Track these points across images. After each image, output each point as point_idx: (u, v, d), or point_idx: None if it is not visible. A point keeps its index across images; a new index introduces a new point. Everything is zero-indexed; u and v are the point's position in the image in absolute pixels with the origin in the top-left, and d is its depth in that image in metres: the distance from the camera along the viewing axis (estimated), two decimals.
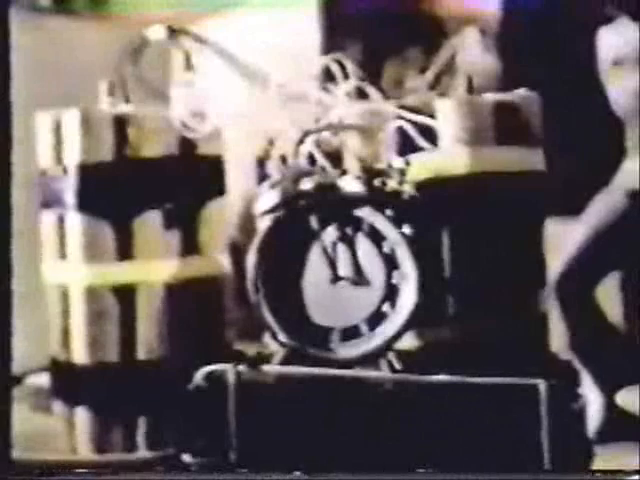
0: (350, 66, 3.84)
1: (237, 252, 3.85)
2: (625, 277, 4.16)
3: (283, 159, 3.64)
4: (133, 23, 4.71)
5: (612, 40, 4.22)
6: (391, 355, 3.55)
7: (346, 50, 5.07)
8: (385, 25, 5.10)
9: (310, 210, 3.57)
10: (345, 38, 5.09)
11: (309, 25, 4.96)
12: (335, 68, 3.87)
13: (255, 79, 3.90)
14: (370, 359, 3.57)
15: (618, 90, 4.15)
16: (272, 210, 3.58)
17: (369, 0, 5.13)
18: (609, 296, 4.19)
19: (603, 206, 4.05)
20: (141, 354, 3.93)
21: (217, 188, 3.96)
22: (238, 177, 3.97)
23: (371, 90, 3.81)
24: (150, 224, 3.90)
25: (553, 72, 4.90)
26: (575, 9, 4.70)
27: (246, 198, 3.85)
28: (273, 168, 3.63)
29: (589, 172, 4.15)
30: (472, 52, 5.01)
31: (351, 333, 3.57)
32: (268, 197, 3.60)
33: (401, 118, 3.63)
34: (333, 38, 5.03)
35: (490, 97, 3.71)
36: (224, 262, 3.98)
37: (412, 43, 5.03)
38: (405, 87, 3.92)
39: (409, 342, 3.64)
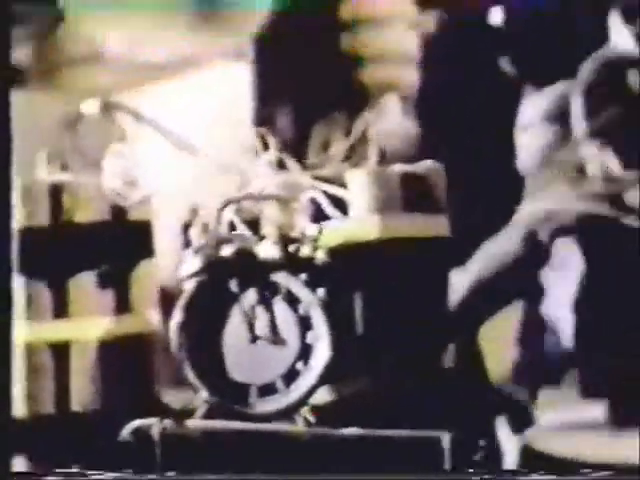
0: (272, 139, 3.87)
1: (165, 311, 3.86)
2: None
3: (205, 226, 3.67)
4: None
5: (525, 109, 4.35)
6: (305, 410, 3.58)
7: (276, 116, 5.17)
8: (313, 91, 5.15)
9: (230, 275, 3.60)
10: (276, 104, 5.14)
11: (241, 93, 4.98)
12: (258, 141, 3.91)
13: (184, 149, 3.92)
14: (286, 414, 3.59)
15: (525, 150, 4.27)
16: (195, 274, 3.60)
17: (299, 66, 5.19)
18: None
19: (497, 247, 4.15)
20: (75, 406, 3.93)
21: (147, 251, 3.98)
22: (166, 241, 3.99)
23: (290, 161, 3.86)
24: (84, 284, 3.91)
25: (469, 137, 4.99)
26: (490, 79, 4.76)
27: (173, 261, 3.86)
28: (196, 235, 3.66)
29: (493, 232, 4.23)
30: (391, 118, 5.07)
31: (268, 389, 3.58)
32: (191, 262, 3.62)
33: (315, 189, 3.68)
34: (264, 104, 5.06)
35: (398, 168, 3.76)
36: (154, 320, 3.99)
37: (337, 108, 5.08)
38: (322, 157, 3.95)
39: (323, 397, 3.66)
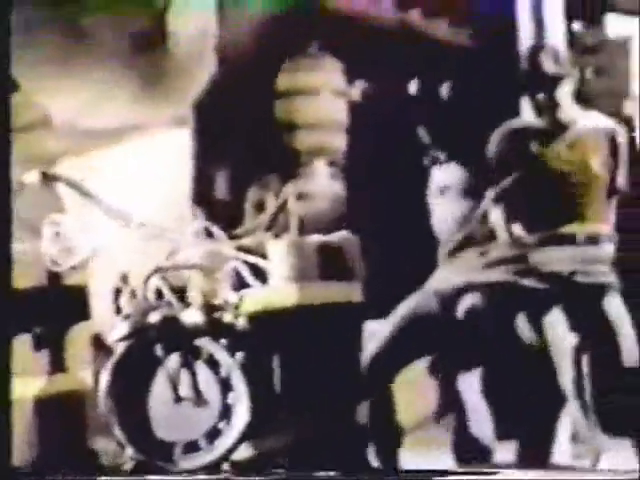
0: (198, 211, 4.10)
1: (96, 371, 4.05)
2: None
3: (134, 293, 3.87)
4: None
5: (439, 176, 4.55)
6: (227, 465, 3.78)
7: (215, 177, 5.38)
8: (248, 155, 5.37)
9: (156, 340, 3.82)
10: (213, 167, 5.35)
11: (180, 158, 5.17)
12: (187, 211, 4.13)
13: (118, 218, 4.12)
14: (209, 470, 3.80)
15: (439, 215, 4.46)
16: (123, 339, 3.81)
17: (235, 131, 5.40)
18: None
19: (412, 304, 4.35)
20: (16, 460, 4.09)
21: (81, 314, 4.18)
22: (100, 305, 4.18)
23: (217, 230, 4.07)
24: (21, 346, 4.09)
25: (389, 203, 5.22)
26: (409, 153, 4.96)
27: (104, 325, 4.06)
28: (125, 302, 3.87)
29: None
30: (320, 182, 5.31)
31: (192, 447, 3.81)
32: (120, 327, 3.84)
33: (237, 259, 3.90)
34: (203, 167, 5.27)
35: (316, 238, 3.99)
36: (87, 379, 4.17)
37: (271, 171, 5.31)
38: (246, 227, 4.17)
39: (244, 453, 3.86)
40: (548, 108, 4.40)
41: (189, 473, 3.78)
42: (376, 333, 4.23)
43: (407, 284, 4.33)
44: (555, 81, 4.39)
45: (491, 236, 4.38)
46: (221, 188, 5.51)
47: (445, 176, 4.59)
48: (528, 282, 4.21)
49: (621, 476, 3.93)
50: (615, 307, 4.26)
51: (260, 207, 5.37)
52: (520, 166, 4.33)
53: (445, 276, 4.34)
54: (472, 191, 4.42)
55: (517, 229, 4.30)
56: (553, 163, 4.34)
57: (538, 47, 4.70)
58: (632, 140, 4.62)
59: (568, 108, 4.36)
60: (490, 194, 4.31)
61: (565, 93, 4.38)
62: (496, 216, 4.31)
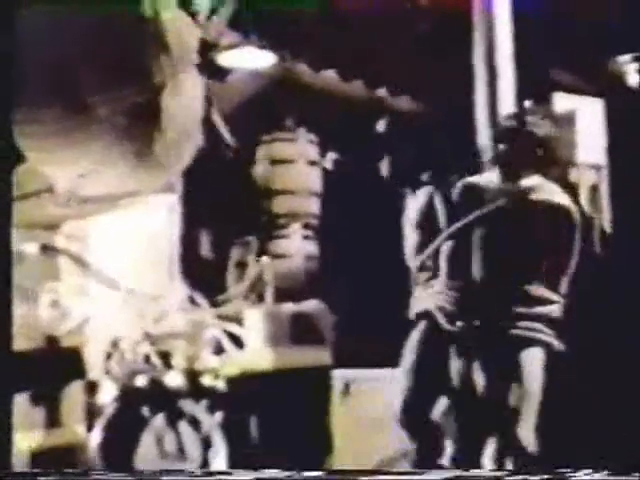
0: (184, 279, 4.28)
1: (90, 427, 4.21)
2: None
3: (123, 357, 4.04)
4: None
5: (413, 205, 4.56)
6: None
7: (201, 239, 5.56)
8: (231, 218, 5.54)
9: (142, 402, 3.99)
10: (199, 229, 5.53)
11: (169, 223, 5.34)
12: (174, 280, 4.31)
13: (109, 286, 4.30)
14: None
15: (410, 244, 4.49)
16: (113, 400, 3.98)
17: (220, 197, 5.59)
18: None
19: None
20: None
21: (76, 373, 4.33)
22: (94, 366, 4.34)
23: (199, 298, 4.26)
24: (20, 404, 4.24)
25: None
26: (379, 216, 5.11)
27: (96, 385, 4.22)
28: (114, 365, 4.04)
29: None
30: (295, 243, 5.50)
31: None
32: (109, 389, 4.01)
33: (217, 327, 4.09)
34: (190, 229, 5.45)
35: (289, 307, 4.18)
36: (82, 433, 4.33)
37: (251, 232, 5.49)
38: (226, 296, 4.35)
39: None
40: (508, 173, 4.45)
41: None
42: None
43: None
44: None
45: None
46: (206, 247, 5.70)
47: (409, 210, 4.56)
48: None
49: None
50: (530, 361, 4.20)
51: (241, 265, 5.56)
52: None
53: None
54: (425, 227, 4.43)
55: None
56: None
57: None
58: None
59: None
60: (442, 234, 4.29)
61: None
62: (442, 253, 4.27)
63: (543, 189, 4.43)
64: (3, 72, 4.02)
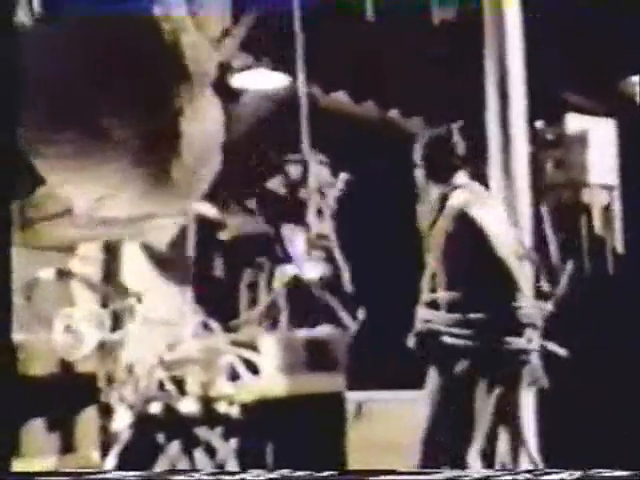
0: (198, 306, 4.23)
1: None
2: None
3: (137, 384, 3.99)
4: None
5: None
6: None
7: (214, 260, 5.52)
8: (241, 245, 5.51)
9: (157, 428, 3.93)
10: (214, 255, 5.50)
11: (185, 247, 5.30)
12: (188, 306, 4.26)
13: (123, 310, 4.25)
14: None
15: None
16: (128, 427, 3.93)
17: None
18: None
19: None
20: None
21: (91, 398, 4.29)
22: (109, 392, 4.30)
23: (213, 323, 4.21)
24: (35, 429, 4.20)
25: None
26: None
27: (111, 411, 4.18)
28: (129, 392, 3.99)
29: None
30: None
31: None
32: (124, 416, 3.95)
33: (232, 353, 4.03)
34: (204, 253, 5.41)
35: (303, 333, 4.13)
36: (96, 459, 4.28)
37: (263, 254, 5.44)
38: (240, 321, 4.30)
39: None
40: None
41: None
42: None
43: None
44: None
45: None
46: (219, 269, 5.66)
47: None
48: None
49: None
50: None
51: (253, 287, 5.51)
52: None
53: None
54: None
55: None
56: None
57: None
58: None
59: None
60: None
61: None
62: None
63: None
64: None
